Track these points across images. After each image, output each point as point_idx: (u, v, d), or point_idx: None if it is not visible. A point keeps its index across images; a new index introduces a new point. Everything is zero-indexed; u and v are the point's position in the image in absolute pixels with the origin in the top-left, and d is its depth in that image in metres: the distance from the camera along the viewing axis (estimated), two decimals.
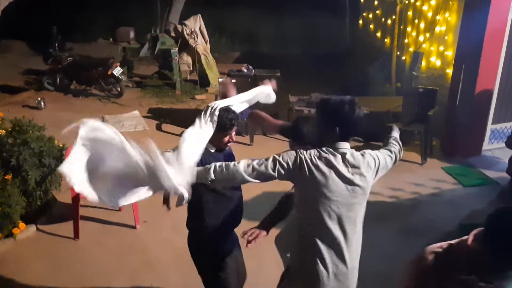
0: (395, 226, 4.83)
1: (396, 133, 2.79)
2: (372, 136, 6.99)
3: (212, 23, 11.47)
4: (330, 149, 2.27)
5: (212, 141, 2.73)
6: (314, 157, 2.23)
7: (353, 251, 2.38)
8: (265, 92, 3.03)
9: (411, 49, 8.38)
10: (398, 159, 2.63)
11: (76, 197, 4.44)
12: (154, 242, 4.50)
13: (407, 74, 8.11)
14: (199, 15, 10.03)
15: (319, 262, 2.32)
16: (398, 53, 8.79)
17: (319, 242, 2.30)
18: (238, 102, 2.84)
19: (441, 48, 7.34)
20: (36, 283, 3.91)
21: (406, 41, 8.67)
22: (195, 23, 9.93)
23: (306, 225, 2.36)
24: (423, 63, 7.79)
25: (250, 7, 13.78)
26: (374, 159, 2.39)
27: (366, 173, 2.31)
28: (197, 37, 9.84)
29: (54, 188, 4.89)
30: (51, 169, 4.73)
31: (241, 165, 2.23)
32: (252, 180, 2.24)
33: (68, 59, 9.16)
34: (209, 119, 2.58)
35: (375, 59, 9.41)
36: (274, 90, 3.09)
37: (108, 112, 8.35)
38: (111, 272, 4.05)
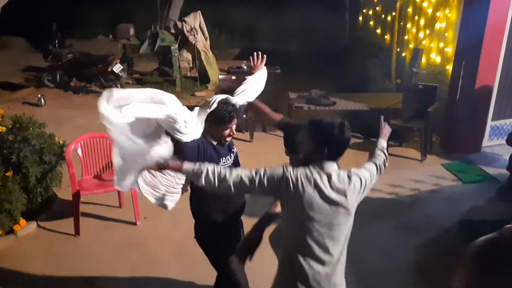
0: (394, 222, 4.84)
1: (384, 143, 2.79)
2: (371, 133, 7.01)
3: (212, 20, 11.46)
4: (317, 168, 2.29)
5: (212, 135, 2.75)
6: (300, 177, 2.25)
7: (336, 270, 2.37)
8: (263, 78, 3.12)
9: (411, 45, 8.38)
10: (382, 171, 2.63)
11: (77, 194, 4.45)
12: (154, 238, 4.52)
13: (407, 71, 8.11)
14: (199, 11, 10.02)
15: (300, 279, 2.31)
16: (398, 49, 8.79)
17: (300, 259, 2.30)
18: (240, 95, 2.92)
19: (441, 44, 7.34)
20: (37, 279, 3.92)
21: (406, 37, 8.66)
22: (195, 20, 9.93)
23: (289, 240, 2.38)
24: (423, 60, 7.79)
25: (250, 3, 13.78)
26: (361, 179, 2.38)
27: (351, 195, 2.31)
28: (197, 34, 9.83)
29: (54, 185, 4.90)
30: (51, 166, 4.75)
31: (232, 180, 2.28)
32: (239, 192, 2.42)
33: (68, 56, 9.16)
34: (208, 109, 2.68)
35: (375, 55, 9.41)
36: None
37: None
38: (112, 268, 4.07)
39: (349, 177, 2.34)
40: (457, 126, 6.41)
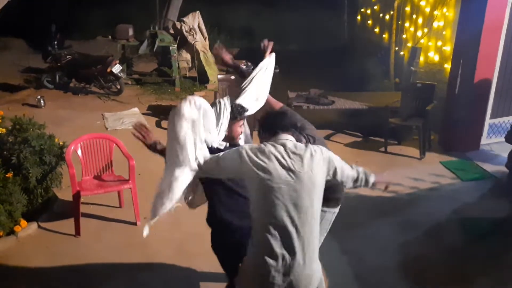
0: (394, 220, 4.85)
1: (372, 177, 2.68)
2: (371, 132, 7.02)
3: (211, 20, 11.47)
4: (271, 141, 2.46)
5: (225, 135, 2.79)
6: (254, 150, 2.41)
7: (305, 244, 2.37)
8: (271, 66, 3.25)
9: (409, 44, 8.40)
10: (361, 177, 2.60)
11: (77, 194, 4.46)
12: (154, 237, 4.49)
13: (405, 69, 8.13)
14: (198, 12, 10.03)
15: (267, 254, 2.35)
16: (397, 48, 8.81)
17: (267, 233, 2.35)
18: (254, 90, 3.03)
19: (439, 43, 7.36)
20: (38, 280, 3.94)
21: (404, 36, 8.68)
22: (194, 20, 9.94)
23: (255, 215, 2.45)
24: (421, 58, 7.81)
25: (248, 3, 13.79)
26: (322, 150, 2.46)
27: (310, 161, 2.38)
28: (196, 34, 9.84)
29: (55, 185, 4.91)
30: (51, 167, 4.76)
31: (201, 161, 2.54)
32: (207, 174, 2.59)
33: (67, 57, 9.16)
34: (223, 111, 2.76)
35: (374, 54, 9.43)
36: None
37: (108, 109, 8.37)
38: (112, 268, 4.09)
39: (306, 146, 2.45)
40: (456, 124, 6.43)
